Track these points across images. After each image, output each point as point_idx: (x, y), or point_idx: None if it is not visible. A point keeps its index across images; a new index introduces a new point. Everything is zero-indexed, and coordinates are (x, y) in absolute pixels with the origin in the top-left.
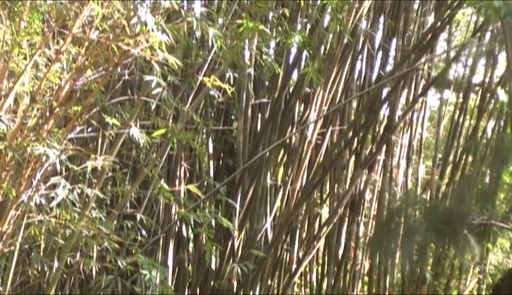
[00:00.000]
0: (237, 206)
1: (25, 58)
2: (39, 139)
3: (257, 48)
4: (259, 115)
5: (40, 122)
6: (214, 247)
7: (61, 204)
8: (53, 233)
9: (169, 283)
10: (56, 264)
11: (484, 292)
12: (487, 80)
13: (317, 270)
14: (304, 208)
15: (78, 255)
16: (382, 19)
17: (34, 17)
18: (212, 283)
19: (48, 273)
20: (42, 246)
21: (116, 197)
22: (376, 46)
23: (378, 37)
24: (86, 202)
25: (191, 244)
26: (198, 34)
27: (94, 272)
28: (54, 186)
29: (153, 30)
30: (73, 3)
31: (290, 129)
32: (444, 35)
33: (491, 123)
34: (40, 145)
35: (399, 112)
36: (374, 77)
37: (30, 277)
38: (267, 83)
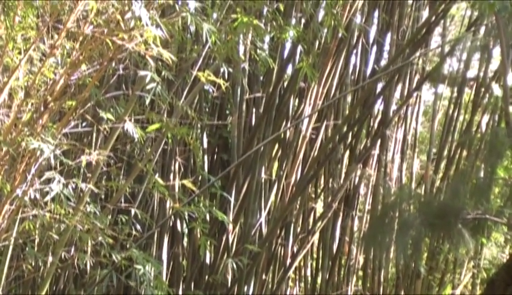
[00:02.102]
0: (232, 201)
1: (19, 53)
2: (34, 134)
3: (251, 42)
4: (254, 110)
5: (35, 117)
6: (209, 242)
7: (55, 198)
8: (47, 228)
9: (164, 277)
10: (50, 259)
11: (478, 287)
12: (481, 74)
13: (311, 264)
14: (298, 202)
15: (72, 249)
16: (376, 14)
17: (28, 12)
18: (207, 277)
19: (42, 268)
20: (37, 240)
21: (110, 192)
22: (371, 40)
23: (372, 31)
24: (81, 197)
25: (185, 239)
26: (192, 28)
27: (88, 267)
28: (48, 181)
29: (147, 25)
30: None
31: (284, 123)
32: (438, 30)
33: (485, 118)
34: (34, 139)
35: (393, 107)
36: (368, 71)
37: (24, 272)
38: (261, 77)
